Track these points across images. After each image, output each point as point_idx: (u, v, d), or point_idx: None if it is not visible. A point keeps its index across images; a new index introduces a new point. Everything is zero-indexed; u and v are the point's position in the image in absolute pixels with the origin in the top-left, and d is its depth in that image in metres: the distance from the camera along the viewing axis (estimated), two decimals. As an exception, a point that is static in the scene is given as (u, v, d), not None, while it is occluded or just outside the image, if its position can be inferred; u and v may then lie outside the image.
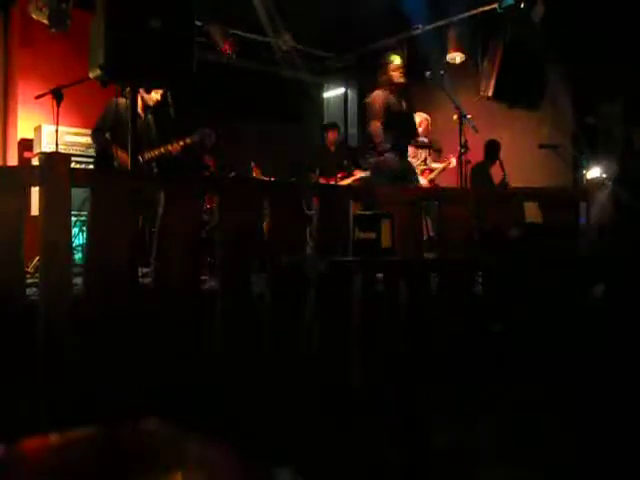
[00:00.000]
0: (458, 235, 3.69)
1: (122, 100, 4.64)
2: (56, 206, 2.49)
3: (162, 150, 5.00)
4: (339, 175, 6.81)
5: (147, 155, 4.91)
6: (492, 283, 3.77)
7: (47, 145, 5.96)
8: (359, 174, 6.60)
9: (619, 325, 3.24)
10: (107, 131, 4.85)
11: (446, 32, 7.20)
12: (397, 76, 5.24)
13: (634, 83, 5.74)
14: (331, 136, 7.19)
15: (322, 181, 6.61)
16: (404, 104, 5.36)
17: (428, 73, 5.52)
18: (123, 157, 4.47)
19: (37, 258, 3.61)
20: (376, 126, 5.16)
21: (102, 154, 4.81)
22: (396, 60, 5.29)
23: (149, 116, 5.03)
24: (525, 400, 3.06)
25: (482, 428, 2.83)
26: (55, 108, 4.67)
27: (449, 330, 3.56)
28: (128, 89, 4.07)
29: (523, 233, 3.67)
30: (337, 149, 7.19)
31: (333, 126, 7.40)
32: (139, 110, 4.69)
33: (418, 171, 6.34)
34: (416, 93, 6.58)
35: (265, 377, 3.07)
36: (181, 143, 5.07)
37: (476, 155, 6.90)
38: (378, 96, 5.24)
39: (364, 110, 5.79)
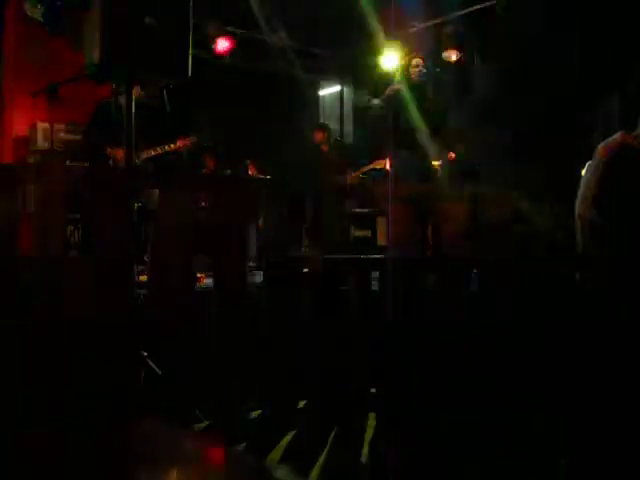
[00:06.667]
0: (454, 233, 3.70)
1: (113, 99, 4.51)
2: (51, 203, 2.48)
3: (159, 149, 4.94)
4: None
5: (144, 154, 4.85)
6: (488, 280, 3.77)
7: (42, 143, 5.93)
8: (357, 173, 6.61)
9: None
10: (99, 130, 4.78)
11: (442, 30, 7.20)
12: (412, 73, 5.29)
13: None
14: (318, 137, 7.20)
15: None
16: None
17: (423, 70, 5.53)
18: (118, 155, 4.41)
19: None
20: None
21: (94, 152, 4.71)
22: (415, 60, 5.33)
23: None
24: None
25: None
26: (50, 105, 4.65)
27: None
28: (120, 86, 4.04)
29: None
30: (330, 149, 7.20)
31: (320, 127, 7.44)
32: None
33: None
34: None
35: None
36: (179, 144, 5.01)
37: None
38: (391, 86, 5.29)
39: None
